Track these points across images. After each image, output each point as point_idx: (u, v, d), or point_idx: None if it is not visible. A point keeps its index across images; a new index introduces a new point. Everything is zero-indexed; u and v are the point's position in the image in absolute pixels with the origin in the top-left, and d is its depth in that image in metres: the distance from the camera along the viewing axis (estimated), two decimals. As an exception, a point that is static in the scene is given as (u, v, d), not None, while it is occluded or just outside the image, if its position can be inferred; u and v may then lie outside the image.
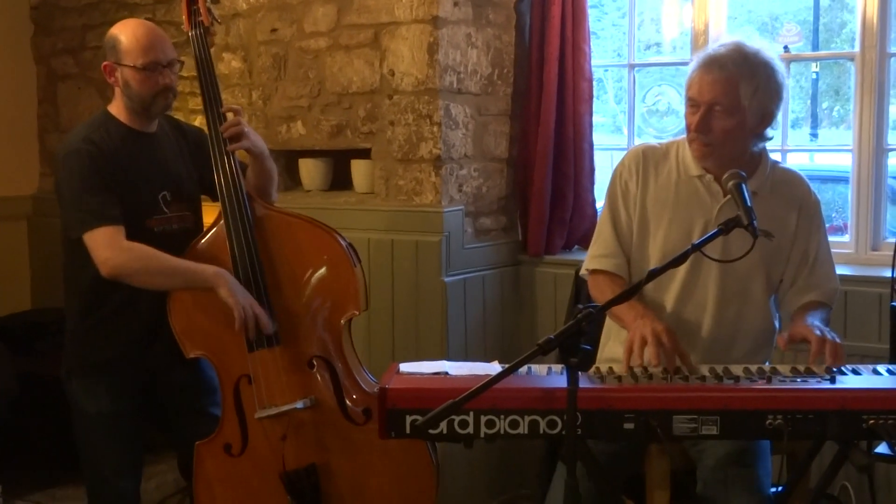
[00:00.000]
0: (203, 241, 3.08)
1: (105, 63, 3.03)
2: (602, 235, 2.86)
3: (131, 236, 2.94)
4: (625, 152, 2.93)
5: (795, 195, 2.79)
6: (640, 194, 2.80)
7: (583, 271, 2.93)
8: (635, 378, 2.43)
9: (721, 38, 3.72)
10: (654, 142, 2.93)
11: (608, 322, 2.95)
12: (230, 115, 3.12)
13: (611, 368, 2.51)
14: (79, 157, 2.95)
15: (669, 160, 2.81)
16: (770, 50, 2.69)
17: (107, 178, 2.95)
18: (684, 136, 2.79)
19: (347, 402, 3.02)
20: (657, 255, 2.76)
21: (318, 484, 3.00)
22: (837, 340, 2.51)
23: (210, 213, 3.16)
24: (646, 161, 2.82)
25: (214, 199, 3.11)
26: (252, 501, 3.05)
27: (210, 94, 3.12)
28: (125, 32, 3.00)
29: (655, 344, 2.47)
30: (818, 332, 2.50)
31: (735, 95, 2.60)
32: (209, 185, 3.13)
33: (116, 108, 3.08)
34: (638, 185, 2.81)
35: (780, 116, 2.75)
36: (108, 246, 2.90)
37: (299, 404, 2.96)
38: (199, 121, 3.65)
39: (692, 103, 2.66)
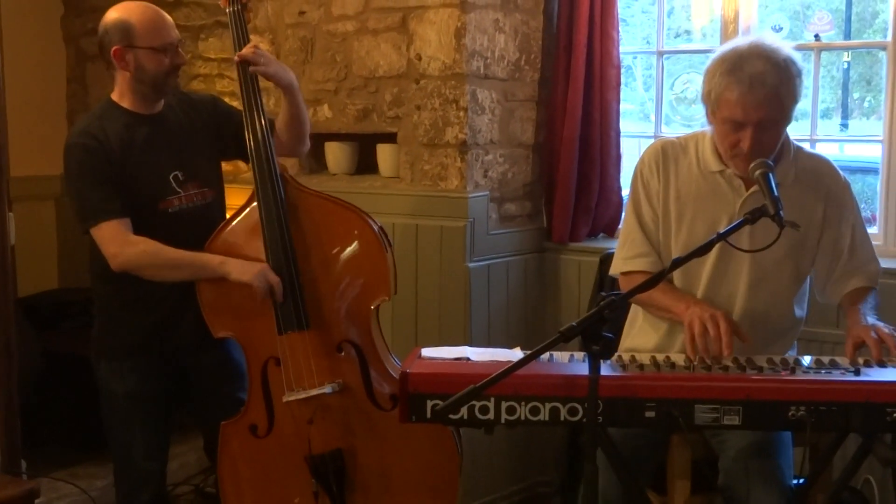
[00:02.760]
0: (235, 222, 3.07)
1: (115, 48, 2.96)
2: (630, 236, 2.83)
3: (146, 220, 2.94)
4: (652, 140, 2.91)
5: (821, 184, 2.76)
6: (662, 190, 2.78)
7: (613, 272, 2.89)
8: (657, 366, 2.42)
9: (743, 36, 3.65)
10: (672, 136, 2.91)
11: (632, 312, 2.94)
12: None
13: (633, 356, 2.51)
14: (75, 153, 2.94)
15: (689, 155, 2.78)
16: (783, 43, 2.64)
17: (106, 170, 2.92)
18: (703, 130, 2.77)
19: (375, 387, 3.02)
20: (680, 252, 2.73)
21: (343, 469, 3.01)
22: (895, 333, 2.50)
23: (241, 195, 3.12)
24: (665, 157, 2.79)
25: (245, 160, 3.08)
26: (276, 483, 3.05)
27: (248, 76, 3.04)
28: (135, 15, 2.96)
29: (716, 328, 2.47)
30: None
31: (780, 106, 2.57)
32: (234, 150, 3.12)
33: (119, 95, 3.04)
34: (660, 182, 2.79)
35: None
36: (112, 242, 2.90)
37: (327, 389, 2.96)
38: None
39: (735, 125, 2.58)
